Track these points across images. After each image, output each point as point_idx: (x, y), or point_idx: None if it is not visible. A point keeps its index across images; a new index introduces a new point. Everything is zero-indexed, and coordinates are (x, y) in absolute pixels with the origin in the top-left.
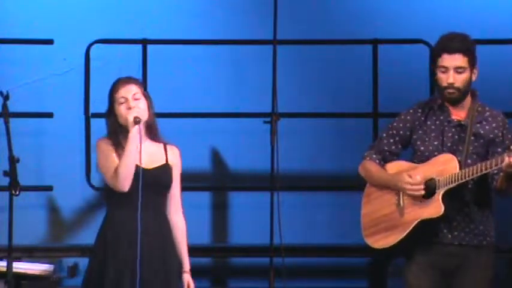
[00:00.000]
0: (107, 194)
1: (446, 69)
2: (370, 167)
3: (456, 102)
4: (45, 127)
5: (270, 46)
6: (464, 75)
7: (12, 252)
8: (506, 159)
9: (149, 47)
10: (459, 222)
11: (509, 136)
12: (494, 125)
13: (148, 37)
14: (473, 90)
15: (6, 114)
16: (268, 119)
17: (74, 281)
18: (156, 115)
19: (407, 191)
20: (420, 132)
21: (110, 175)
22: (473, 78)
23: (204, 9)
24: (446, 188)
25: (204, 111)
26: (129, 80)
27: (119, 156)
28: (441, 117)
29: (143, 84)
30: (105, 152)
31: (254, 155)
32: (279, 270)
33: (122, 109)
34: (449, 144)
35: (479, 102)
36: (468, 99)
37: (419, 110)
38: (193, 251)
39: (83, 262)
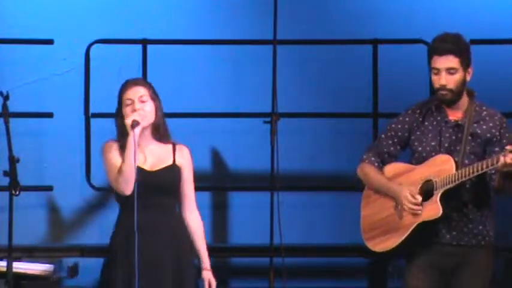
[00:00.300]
0: (117, 196)
1: (438, 71)
2: (368, 171)
3: (450, 103)
4: (45, 127)
5: (270, 46)
6: (457, 76)
7: (12, 252)
8: (502, 159)
9: (149, 47)
10: (458, 222)
11: (507, 135)
12: (491, 124)
13: (148, 37)
14: (471, 90)
15: (6, 114)
16: (268, 119)
17: (74, 281)
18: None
19: (405, 207)
20: (418, 133)
21: (112, 178)
22: (468, 78)
23: (204, 9)
24: (443, 189)
25: (204, 111)
26: (137, 82)
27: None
28: (438, 118)
29: (151, 86)
30: (109, 155)
31: (254, 155)
32: (279, 270)
33: (127, 111)
34: (446, 145)
35: (477, 102)
36: (465, 99)
37: (417, 111)
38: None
39: (83, 262)
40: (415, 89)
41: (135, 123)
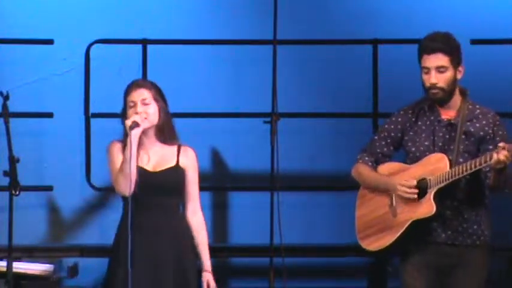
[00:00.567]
0: (121, 196)
1: (428, 70)
2: (362, 170)
3: (442, 102)
4: (45, 127)
5: (270, 46)
6: (448, 74)
7: (12, 252)
8: (495, 156)
9: (149, 47)
10: (452, 221)
11: (500, 133)
12: (484, 122)
13: (148, 37)
14: (463, 88)
15: (6, 114)
16: (268, 119)
17: (74, 281)
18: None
19: (400, 193)
20: (411, 133)
21: (113, 179)
22: (459, 76)
23: (204, 9)
24: (437, 187)
25: (204, 111)
26: (141, 84)
27: None
28: (431, 118)
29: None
30: (111, 156)
31: (254, 155)
32: (279, 270)
33: (129, 113)
34: (440, 144)
35: (470, 100)
36: (458, 98)
37: (410, 111)
38: None
39: (83, 262)
40: (415, 89)
41: (134, 125)
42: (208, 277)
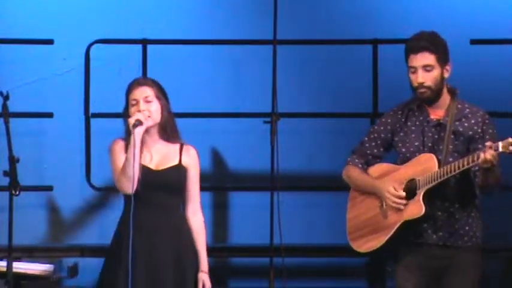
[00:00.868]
0: (123, 194)
1: (415, 69)
2: (351, 173)
3: (431, 101)
4: (45, 127)
5: (270, 46)
6: (435, 73)
7: (12, 252)
8: (482, 155)
9: (149, 47)
10: (443, 222)
11: (490, 131)
12: (473, 121)
13: (148, 37)
14: (453, 88)
15: (6, 114)
16: (268, 119)
17: (74, 281)
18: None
19: (388, 202)
20: (401, 134)
21: (116, 178)
22: (446, 75)
23: (204, 9)
24: (426, 187)
25: (204, 111)
26: (143, 81)
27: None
28: (421, 118)
29: (158, 85)
30: (114, 155)
31: (254, 155)
32: (279, 270)
33: (132, 111)
34: (430, 144)
35: (459, 99)
36: (446, 97)
37: (399, 112)
38: None
39: (83, 262)
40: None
41: (137, 123)
42: (204, 277)
